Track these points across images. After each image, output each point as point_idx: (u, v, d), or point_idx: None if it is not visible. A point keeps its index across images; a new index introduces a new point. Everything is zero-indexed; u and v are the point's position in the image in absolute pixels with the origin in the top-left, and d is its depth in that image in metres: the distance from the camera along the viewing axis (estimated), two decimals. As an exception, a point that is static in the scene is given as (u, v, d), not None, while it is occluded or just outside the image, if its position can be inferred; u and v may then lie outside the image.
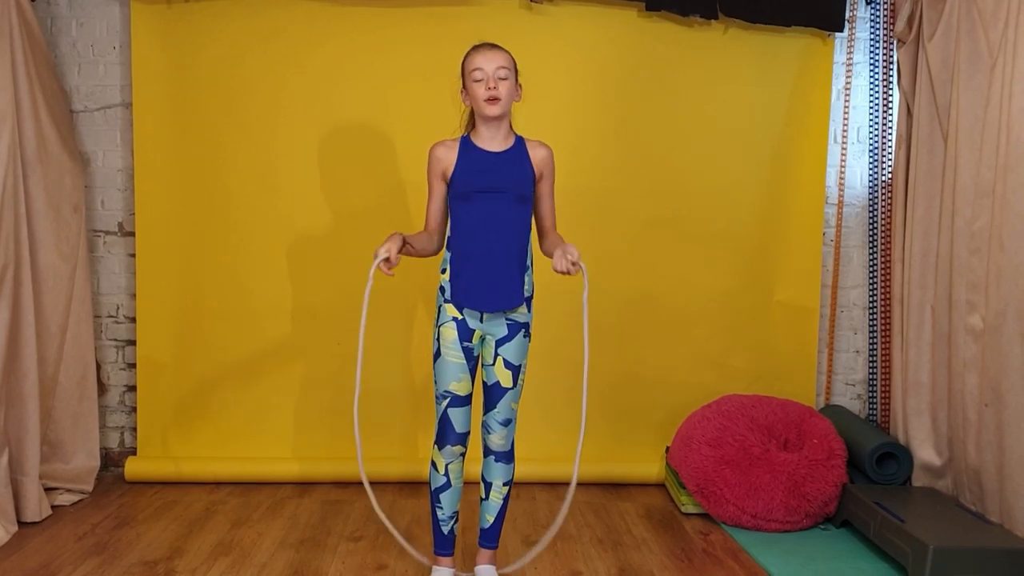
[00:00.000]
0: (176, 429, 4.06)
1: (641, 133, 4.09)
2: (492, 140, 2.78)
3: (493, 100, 2.69)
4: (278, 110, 3.99)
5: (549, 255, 2.84)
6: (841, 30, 4.06)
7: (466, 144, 2.79)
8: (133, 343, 4.10)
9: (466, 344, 2.79)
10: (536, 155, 2.82)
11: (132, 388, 4.12)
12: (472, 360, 2.81)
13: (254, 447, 4.08)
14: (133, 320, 4.09)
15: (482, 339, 2.82)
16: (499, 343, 2.80)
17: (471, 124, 2.85)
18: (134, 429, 4.13)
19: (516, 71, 2.77)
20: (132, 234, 4.06)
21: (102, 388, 4.09)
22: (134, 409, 4.12)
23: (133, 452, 4.12)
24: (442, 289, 2.83)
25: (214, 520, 3.55)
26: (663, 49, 4.06)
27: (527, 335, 2.85)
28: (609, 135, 4.08)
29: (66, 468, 3.76)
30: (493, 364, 2.82)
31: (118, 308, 4.12)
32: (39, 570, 3.02)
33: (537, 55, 4.00)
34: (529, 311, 2.85)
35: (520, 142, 2.83)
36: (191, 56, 3.95)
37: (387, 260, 2.64)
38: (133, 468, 3.99)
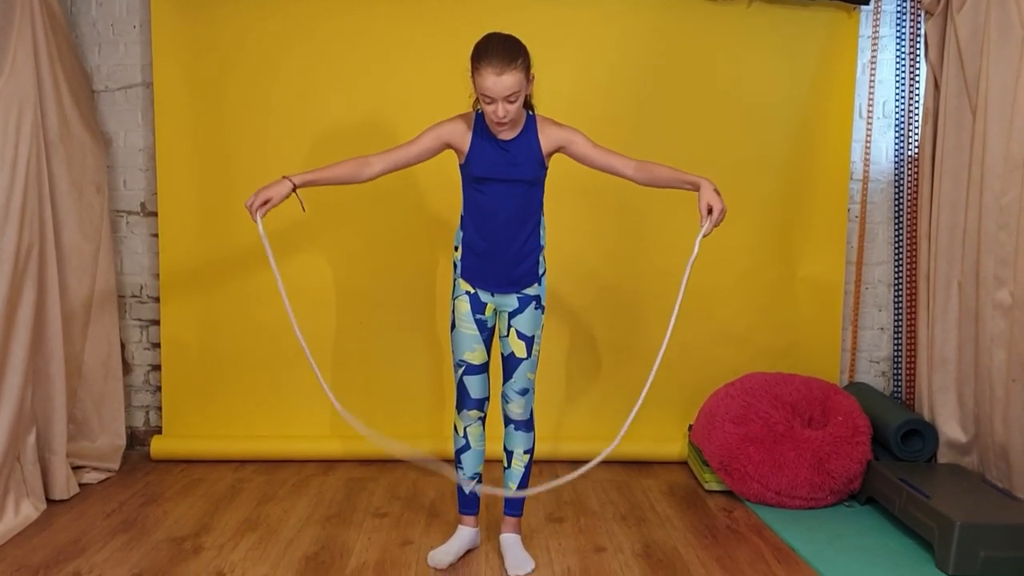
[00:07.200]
0: (200, 408, 4.08)
1: (664, 109, 4.05)
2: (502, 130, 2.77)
3: (502, 124, 2.67)
4: (300, 88, 3.97)
5: (654, 182, 2.85)
6: (867, 3, 4.00)
7: (480, 128, 2.77)
8: (157, 323, 4.12)
9: (479, 316, 2.88)
10: (546, 134, 2.78)
11: (156, 367, 4.15)
12: (486, 331, 2.91)
13: (278, 425, 4.10)
14: (157, 300, 4.10)
15: (496, 311, 2.90)
16: (511, 315, 2.88)
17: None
18: (159, 408, 4.16)
19: (528, 69, 2.64)
20: (154, 214, 4.07)
21: (127, 367, 4.12)
22: (159, 388, 4.14)
23: (158, 431, 4.15)
24: (455, 265, 2.91)
25: (240, 497, 3.58)
26: (686, 24, 4.01)
27: (539, 307, 2.90)
28: (632, 111, 4.04)
29: (92, 446, 3.79)
30: (507, 335, 2.90)
31: (141, 288, 4.14)
32: (69, 546, 3.05)
33: (560, 31, 3.97)
34: (541, 285, 2.91)
35: (531, 124, 2.78)
36: (211, 34, 3.94)
37: (264, 204, 2.69)
38: (159, 446, 4.02)
